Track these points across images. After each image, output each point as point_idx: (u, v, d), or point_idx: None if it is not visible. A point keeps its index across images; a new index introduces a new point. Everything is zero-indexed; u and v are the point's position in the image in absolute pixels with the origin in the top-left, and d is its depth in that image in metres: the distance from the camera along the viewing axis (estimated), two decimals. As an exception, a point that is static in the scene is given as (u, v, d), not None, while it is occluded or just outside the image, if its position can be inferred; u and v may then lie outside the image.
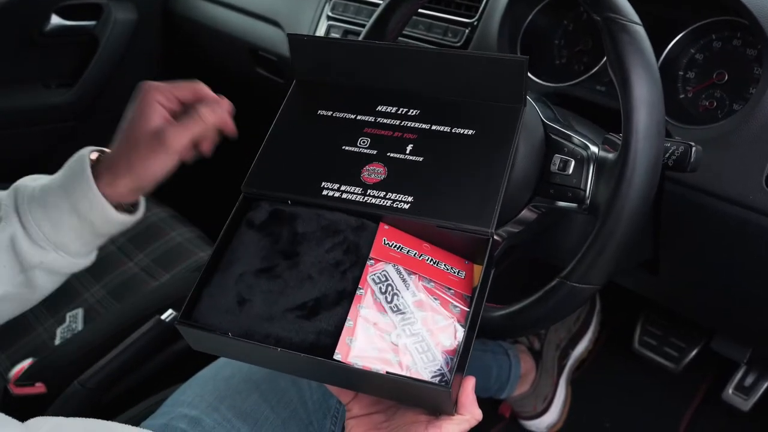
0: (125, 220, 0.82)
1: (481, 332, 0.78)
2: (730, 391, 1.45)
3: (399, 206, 0.71)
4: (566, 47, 1.11)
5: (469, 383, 0.66)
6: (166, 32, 1.90)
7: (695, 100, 0.97)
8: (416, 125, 0.76)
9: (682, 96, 0.98)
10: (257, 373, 0.96)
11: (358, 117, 0.78)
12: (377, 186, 0.73)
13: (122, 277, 1.37)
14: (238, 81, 1.88)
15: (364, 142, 0.76)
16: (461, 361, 0.63)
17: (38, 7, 1.64)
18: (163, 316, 1.18)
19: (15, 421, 0.61)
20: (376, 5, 1.22)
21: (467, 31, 1.17)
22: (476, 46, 1.14)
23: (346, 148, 0.76)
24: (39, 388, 1.14)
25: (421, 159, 0.73)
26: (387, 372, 0.64)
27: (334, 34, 1.37)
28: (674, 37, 0.97)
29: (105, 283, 1.36)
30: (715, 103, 0.95)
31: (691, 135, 0.89)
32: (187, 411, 0.92)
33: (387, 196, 0.72)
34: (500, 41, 1.10)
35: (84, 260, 0.85)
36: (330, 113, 0.79)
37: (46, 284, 0.83)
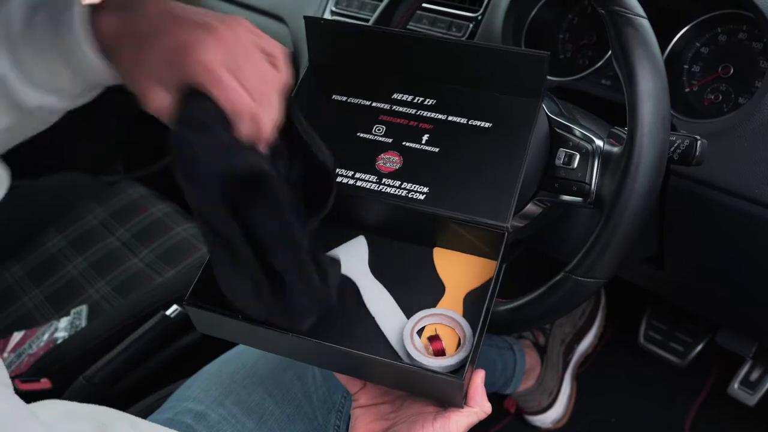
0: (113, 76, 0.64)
1: (487, 327, 0.78)
2: (736, 385, 1.44)
3: (414, 196, 0.71)
4: (571, 41, 1.11)
5: (479, 376, 0.66)
6: (169, 28, 1.90)
7: (700, 94, 0.97)
8: (432, 115, 0.75)
9: (687, 89, 0.98)
10: (262, 368, 0.96)
11: (374, 104, 0.77)
12: (392, 175, 0.73)
13: (127, 273, 1.37)
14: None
15: (379, 129, 0.75)
16: (473, 353, 0.64)
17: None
18: (167, 312, 1.19)
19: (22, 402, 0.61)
20: (380, 0, 1.22)
21: (471, 25, 1.16)
22: (480, 41, 1.14)
23: (362, 135, 0.76)
24: (44, 383, 1.14)
25: (437, 150, 0.73)
26: (408, 355, 0.64)
27: (338, 29, 1.37)
28: (679, 31, 0.96)
29: (109, 279, 1.36)
30: (720, 97, 0.94)
31: (697, 129, 0.89)
32: (192, 406, 0.93)
33: (402, 186, 0.72)
34: (504, 35, 1.09)
35: (84, 98, 0.69)
36: (345, 98, 0.78)
37: (47, 118, 0.68)
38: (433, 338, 0.67)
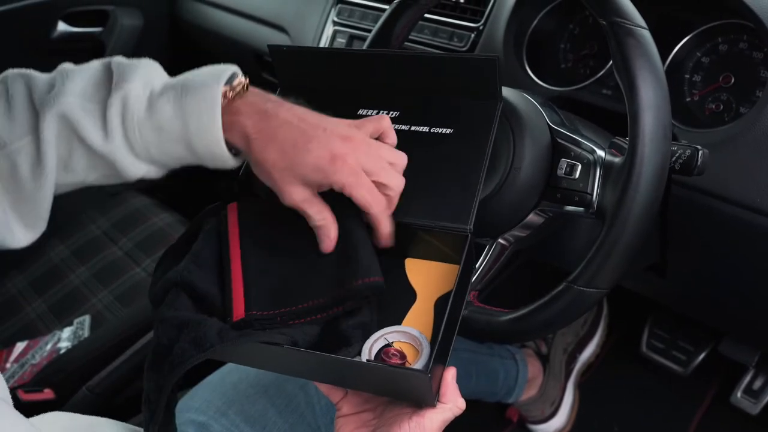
0: (235, 163, 0.73)
1: (489, 337, 0.78)
2: (739, 394, 1.44)
3: None
4: (572, 51, 1.11)
5: (449, 373, 0.66)
6: (172, 38, 1.91)
7: (702, 103, 0.97)
8: (396, 127, 0.77)
9: (688, 99, 0.98)
10: (265, 377, 0.96)
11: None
12: None
13: (129, 282, 1.37)
14: (244, 86, 1.88)
15: None
16: (440, 351, 0.64)
17: (45, 14, 1.65)
18: (170, 322, 1.19)
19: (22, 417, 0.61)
20: (382, 10, 1.23)
21: (473, 35, 1.17)
22: (482, 51, 1.14)
23: None
24: (47, 394, 1.14)
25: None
26: (368, 360, 0.65)
27: (340, 39, 1.37)
28: (680, 41, 0.97)
29: (112, 289, 1.36)
30: (721, 106, 0.95)
31: (698, 138, 0.89)
32: (195, 416, 0.93)
33: None
34: (506, 45, 1.10)
35: None
36: None
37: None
38: (388, 354, 0.67)
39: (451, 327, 0.67)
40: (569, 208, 0.79)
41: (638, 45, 0.71)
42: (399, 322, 0.70)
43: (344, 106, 0.79)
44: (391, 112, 0.78)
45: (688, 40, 0.96)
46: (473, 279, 0.84)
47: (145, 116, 0.69)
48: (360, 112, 0.80)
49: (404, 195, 0.72)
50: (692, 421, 1.54)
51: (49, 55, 1.72)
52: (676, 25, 0.97)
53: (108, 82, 0.70)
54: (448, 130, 0.76)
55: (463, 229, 0.70)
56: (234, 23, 1.67)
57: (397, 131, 0.76)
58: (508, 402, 1.49)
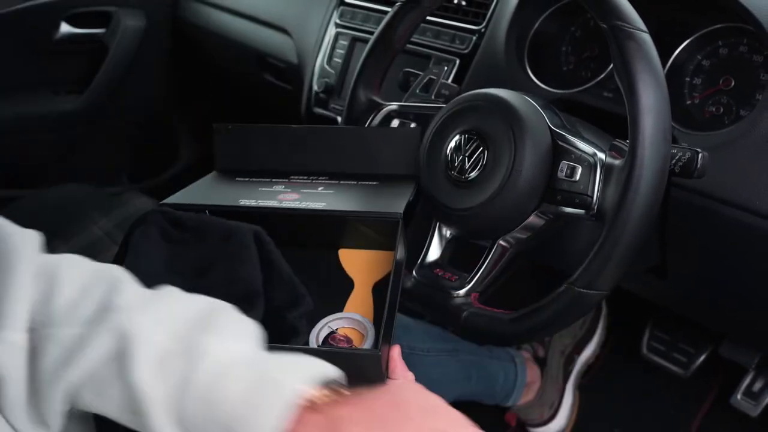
0: None
1: (490, 338, 0.79)
2: (739, 396, 1.44)
3: (314, 206, 0.76)
4: (573, 54, 1.11)
5: (395, 351, 0.69)
6: (174, 39, 1.91)
7: (702, 106, 0.97)
8: (326, 181, 0.85)
9: (688, 102, 0.98)
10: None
11: (273, 180, 0.86)
12: (292, 202, 0.78)
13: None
14: (245, 87, 1.88)
15: (279, 186, 0.84)
16: (386, 331, 0.66)
17: (48, 15, 1.66)
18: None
19: None
20: (384, 12, 1.23)
21: (474, 37, 1.17)
22: (483, 53, 1.14)
23: (263, 189, 0.83)
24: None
25: (332, 191, 0.82)
26: (318, 347, 0.68)
27: (342, 41, 1.38)
28: (681, 44, 0.97)
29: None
30: (721, 109, 0.95)
31: (698, 141, 0.89)
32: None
33: (301, 205, 0.77)
34: (507, 48, 1.10)
35: None
36: (247, 179, 0.87)
37: None
38: (335, 339, 0.71)
39: (393, 308, 0.69)
40: (570, 210, 0.79)
41: (638, 48, 0.71)
42: (340, 310, 0.74)
43: (278, 175, 0.88)
44: (320, 177, 0.87)
45: (688, 43, 0.97)
46: (474, 281, 0.85)
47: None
48: (292, 177, 0.87)
49: (337, 200, 0.78)
50: (693, 423, 1.54)
51: (52, 56, 1.72)
52: (677, 28, 0.97)
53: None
54: (375, 182, 0.85)
55: (395, 215, 0.73)
56: (237, 25, 1.67)
57: (326, 183, 0.85)
58: (506, 405, 1.49)
